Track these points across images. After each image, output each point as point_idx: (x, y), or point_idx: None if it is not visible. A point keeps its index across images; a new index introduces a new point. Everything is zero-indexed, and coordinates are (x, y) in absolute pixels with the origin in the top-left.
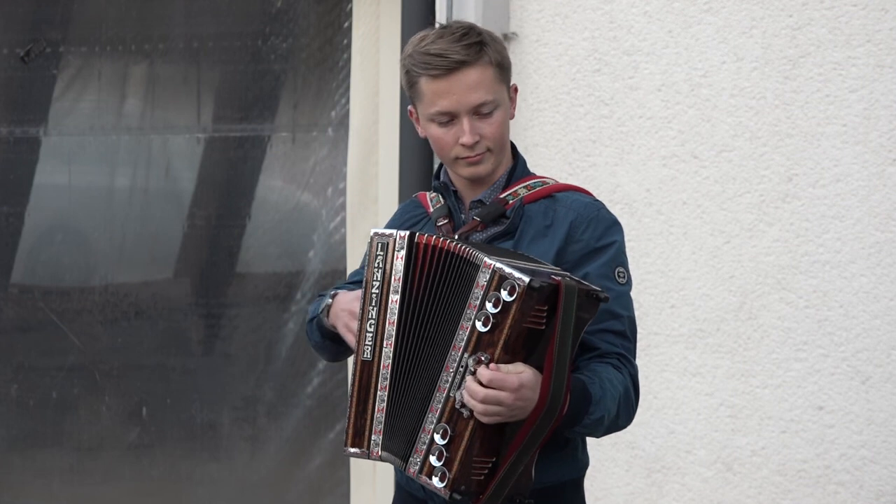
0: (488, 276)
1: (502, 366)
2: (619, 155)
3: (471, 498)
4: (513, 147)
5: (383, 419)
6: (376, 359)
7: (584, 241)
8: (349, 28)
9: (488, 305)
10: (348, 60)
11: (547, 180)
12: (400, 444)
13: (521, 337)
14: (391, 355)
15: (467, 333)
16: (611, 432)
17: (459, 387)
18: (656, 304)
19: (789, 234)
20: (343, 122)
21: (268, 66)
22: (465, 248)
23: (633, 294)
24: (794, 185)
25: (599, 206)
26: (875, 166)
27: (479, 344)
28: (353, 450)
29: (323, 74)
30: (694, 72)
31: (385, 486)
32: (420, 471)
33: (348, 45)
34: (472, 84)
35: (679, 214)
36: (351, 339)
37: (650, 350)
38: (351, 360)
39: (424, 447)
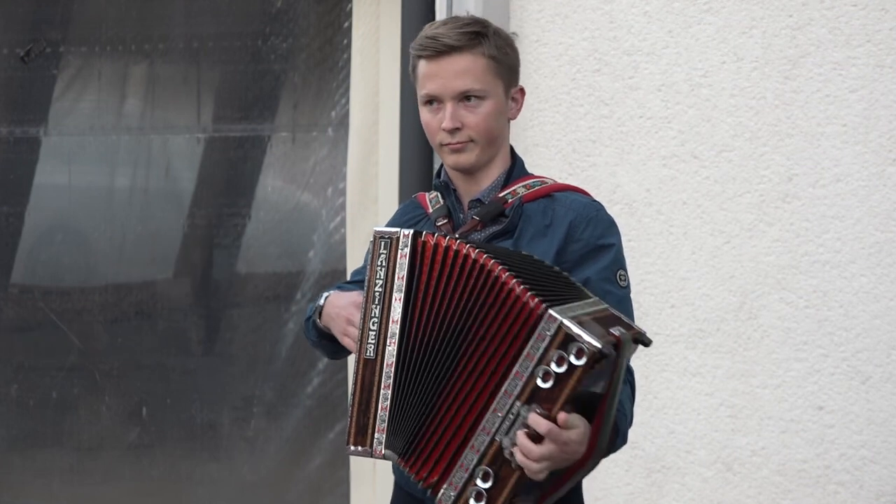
0: (553, 332)
1: (564, 416)
2: (619, 155)
3: None
4: (511, 148)
5: (387, 417)
6: (379, 357)
7: (584, 240)
8: (349, 28)
9: (552, 364)
10: (348, 60)
11: (546, 180)
12: (403, 443)
13: (581, 396)
14: (395, 354)
15: (523, 383)
16: None
17: (508, 432)
18: (656, 304)
19: (789, 234)
20: (343, 122)
21: (268, 66)
22: (508, 274)
23: (633, 294)
24: (794, 185)
25: (598, 207)
26: (875, 166)
27: (536, 397)
28: (355, 448)
29: (323, 74)
30: (694, 72)
31: (385, 486)
32: None
33: (348, 45)
34: (459, 70)
35: (679, 214)
36: (350, 345)
37: (650, 350)
38: (352, 359)
39: (461, 483)
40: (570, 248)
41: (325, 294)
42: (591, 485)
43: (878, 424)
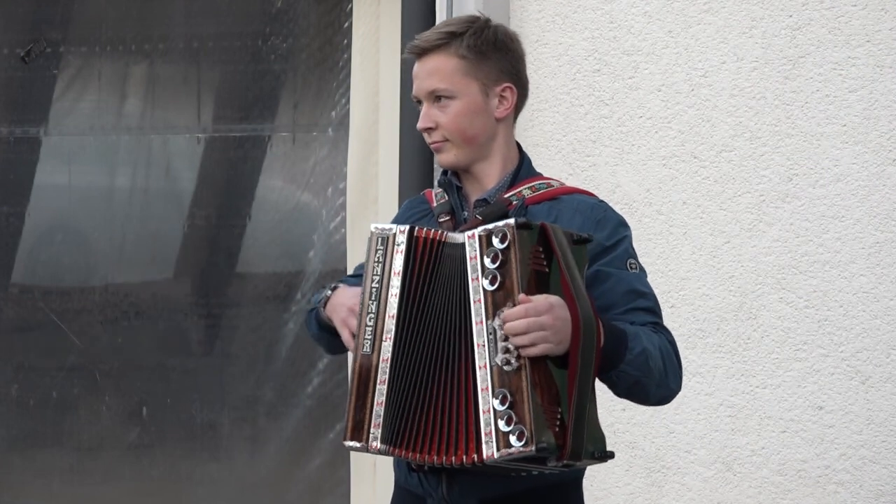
0: (476, 244)
1: (529, 297)
2: (619, 155)
3: (554, 453)
4: (519, 146)
5: (382, 413)
6: (375, 353)
7: (595, 241)
8: (349, 28)
9: (487, 263)
10: (348, 60)
11: (552, 182)
12: (396, 430)
13: (532, 280)
14: (391, 349)
15: (482, 303)
16: (663, 393)
17: (497, 353)
18: None
19: (789, 234)
20: (343, 122)
21: (268, 66)
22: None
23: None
24: (794, 185)
25: (606, 207)
26: (875, 166)
27: (496, 304)
28: (351, 443)
29: (323, 74)
30: (694, 72)
31: (385, 485)
32: (498, 448)
33: (348, 45)
34: (429, 70)
35: (679, 214)
36: (346, 335)
37: None
38: (351, 354)
39: (491, 425)
40: None
41: (333, 285)
42: (591, 485)
43: (878, 424)
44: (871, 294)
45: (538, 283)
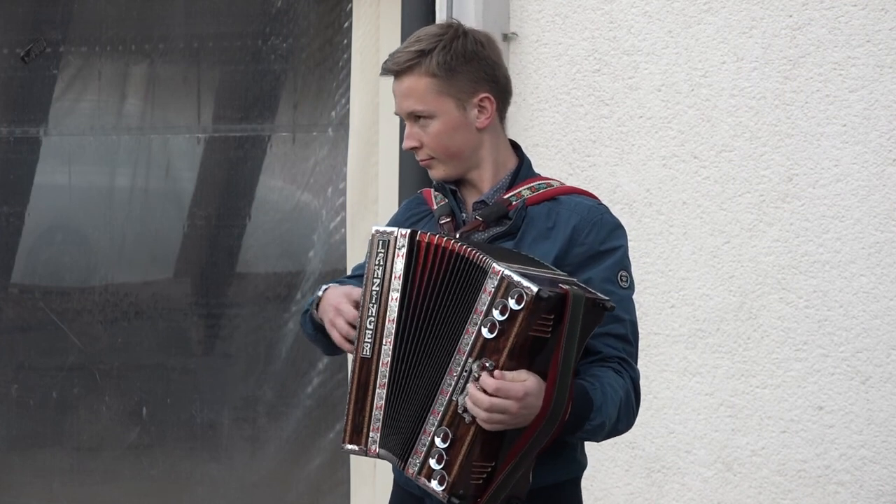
0: (496, 283)
1: (507, 373)
2: (619, 155)
3: (468, 502)
4: (518, 147)
5: (381, 417)
6: (375, 356)
7: (588, 244)
8: (349, 28)
9: (495, 312)
10: (348, 60)
11: (552, 182)
12: (397, 442)
13: (526, 345)
14: (390, 353)
15: (472, 339)
16: (611, 437)
17: (462, 391)
18: (656, 304)
19: (789, 234)
20: (343, 122)
21: (268, 66)
22: (472, 250)
23: (633, 295)
24: (794, 185)
25: (603, 210)
26: (875, 166)
27: (485, 350)
28: (350, 446)
29: (323, 74)
30: (694, 72)
31: (385, 486)
32: (419, 472)
33: (348, 45)
34: (404, 92)
35: (679, 214)
36: (335, 335)
37: (650, 350)
38: (351, 357)
39: (424, 449)
40: (574, 252)
41: (325, 286)
42: (591, 485)
43: (878, 424)
44: (871, 294)
45: (532, 349)
